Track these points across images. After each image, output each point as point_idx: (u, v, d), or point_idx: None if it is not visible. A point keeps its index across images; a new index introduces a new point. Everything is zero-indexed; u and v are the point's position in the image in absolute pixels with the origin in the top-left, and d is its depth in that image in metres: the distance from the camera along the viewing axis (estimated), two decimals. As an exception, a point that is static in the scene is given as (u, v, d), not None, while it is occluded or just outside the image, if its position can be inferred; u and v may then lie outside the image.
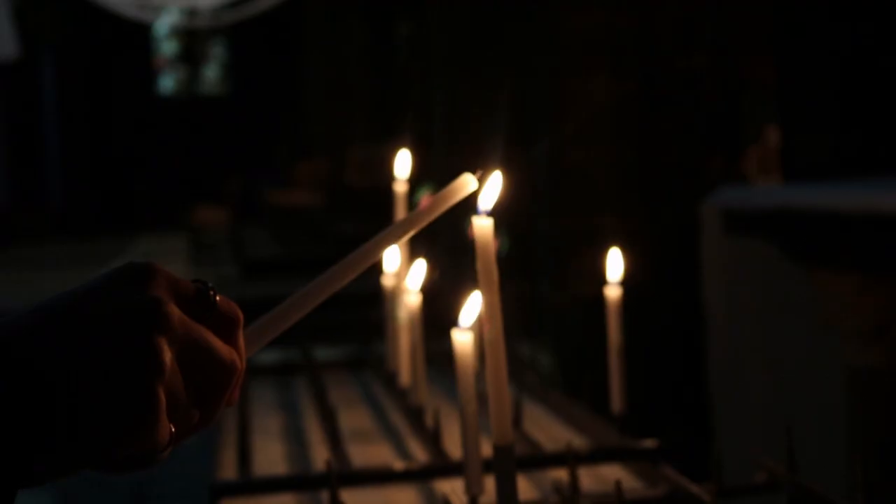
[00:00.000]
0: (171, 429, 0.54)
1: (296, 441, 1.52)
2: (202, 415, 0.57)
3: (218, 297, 0.59)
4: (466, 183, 0.72)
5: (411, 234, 0.69)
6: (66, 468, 0.52)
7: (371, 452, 1.42)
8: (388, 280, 1.51)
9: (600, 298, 1.28)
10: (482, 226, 0.82)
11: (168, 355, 0.53)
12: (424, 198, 0.69)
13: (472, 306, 0.87)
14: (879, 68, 2.73)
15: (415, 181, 1.41)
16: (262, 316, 0.64)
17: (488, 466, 0.91)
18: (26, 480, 0.51)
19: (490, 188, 0.80)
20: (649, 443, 1.27)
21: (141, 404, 0.52)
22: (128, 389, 0.52)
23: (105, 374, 0.52)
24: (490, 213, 0.81)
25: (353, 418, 1.60)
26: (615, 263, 1.26)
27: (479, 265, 0.83)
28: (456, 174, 0.72)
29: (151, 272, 0.56)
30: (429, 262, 1.27)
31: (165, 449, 0.55)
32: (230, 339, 0.59)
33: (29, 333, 0.52)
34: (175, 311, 0.55)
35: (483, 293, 0.83)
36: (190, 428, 0.57)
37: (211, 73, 16.33)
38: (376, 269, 1.48)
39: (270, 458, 1.43)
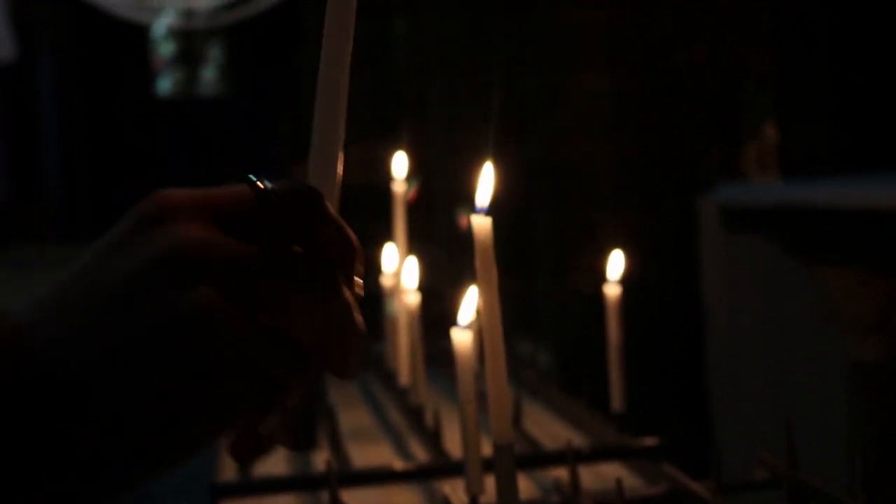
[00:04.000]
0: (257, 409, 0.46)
1: (296, 441, 1.51)
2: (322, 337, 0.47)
3: (274, 189, 0.47)
4: None
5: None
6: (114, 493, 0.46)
7: (371, 452, 1.42)
8: (386, 280, 1.51)
9: (599, 294, 1.27)
10: (481, 223, 0.81)
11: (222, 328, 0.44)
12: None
13: (471, 304, 0.87)
14: (876, 64, 2.72)
15: (411, 178, 1.41)
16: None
17: (488, 465, 0.91)
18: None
19: (485, 183, 0.79)
20: (650, 440, 1.27)
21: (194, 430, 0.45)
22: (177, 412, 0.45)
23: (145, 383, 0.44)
24: (488, 212, 0.81)
25: (352, 418, 1.60)
26: (617, 263, 1.26)
27: (478, 263, 0.82)
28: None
29: (160, 216, 0.46)
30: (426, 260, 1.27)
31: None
32: (321, 227, 0.48)
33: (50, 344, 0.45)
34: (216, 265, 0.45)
35: (482, 291, 0.83)
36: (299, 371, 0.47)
37: (209, 75, 16.34)
38: (375, 268, 1.48)
39: (270, 458, 1.43)
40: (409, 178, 1.36)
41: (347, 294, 0.48)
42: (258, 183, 0.47)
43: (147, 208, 0.46)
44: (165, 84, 16.15)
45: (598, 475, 1.27)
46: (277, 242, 0.47)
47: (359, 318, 0.49)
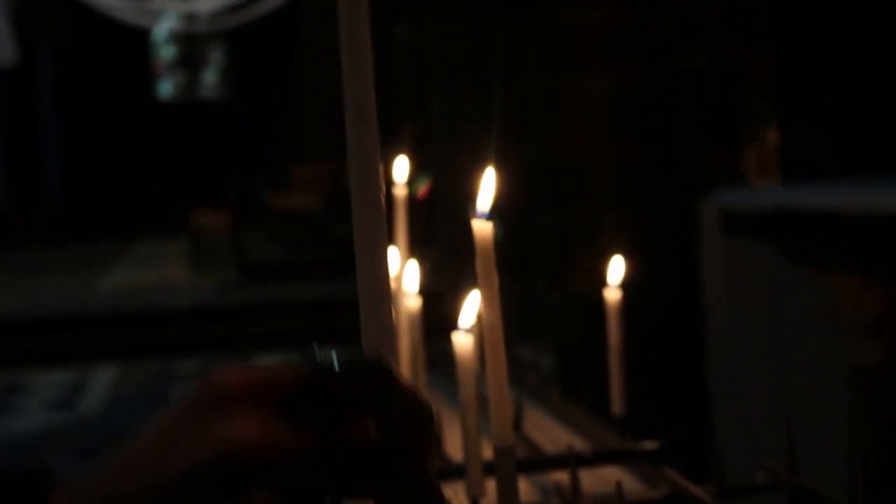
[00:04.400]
0: None
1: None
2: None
3: (341, 367, 0.44)
4: None
5: None
6: None
7: (372, 455, 1.42)
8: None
9: (600, 297, 1.27)
10: (481, 227, 0.81)
11: None
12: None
13: (472, 308, 0.87)
14: (876, 65, 2.72)
15: (413, 180, 1.41)
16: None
17: (489, 469, 0.91)
18: None
19: (486, 188, 0.79)
20: (650, 444, 1.27)
21: None
22: None
23: None
24: (489, 216, 0.81)
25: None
26: (617, 268, 1.26)
27: (479, 267, 0.82)
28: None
29: (214, 404, 0.43)
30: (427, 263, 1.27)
31: None
32: (393, 402, 0.44)
33: None
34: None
35: (483, 295, 0.83)
36: None
37: (210, 78, 16.33)
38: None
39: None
40: (416, 178, 1.36)
41: (425, 467, 0.45)
42: (323, 359, 0.44)
43: (202, 393, 0.44)
44: (166, 87, 16.14)
45: (599, 479, 1.27)
46: (345, 419, 0.45)
47: (437, 485, 0.46)
